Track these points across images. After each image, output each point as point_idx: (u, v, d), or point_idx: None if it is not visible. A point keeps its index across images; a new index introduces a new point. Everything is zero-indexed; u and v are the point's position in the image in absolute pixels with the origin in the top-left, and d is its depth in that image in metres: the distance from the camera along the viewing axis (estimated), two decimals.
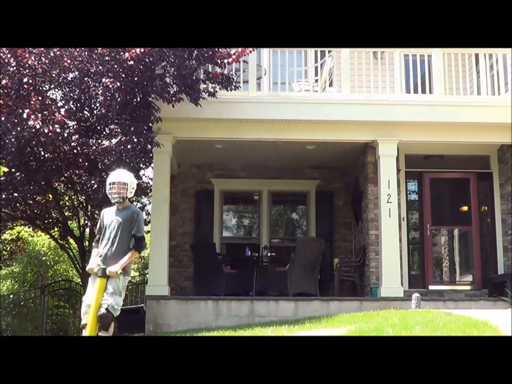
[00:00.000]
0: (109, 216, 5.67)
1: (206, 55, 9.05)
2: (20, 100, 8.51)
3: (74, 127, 8.94)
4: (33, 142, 8.39)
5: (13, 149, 8.19)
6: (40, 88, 8.88)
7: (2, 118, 8.28)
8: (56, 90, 9.45)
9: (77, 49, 8.64)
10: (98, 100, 9.25)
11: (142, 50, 8.36)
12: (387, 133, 10.11)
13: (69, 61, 8.73)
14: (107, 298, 5.42)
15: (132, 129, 8.82)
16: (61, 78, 9.10)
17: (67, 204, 11.12)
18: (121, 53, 8.49)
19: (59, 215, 10.69)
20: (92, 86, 9.01)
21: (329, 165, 12.10)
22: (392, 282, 9.63)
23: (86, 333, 5.34)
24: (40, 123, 8.13)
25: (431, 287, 10.76)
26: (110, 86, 8.47)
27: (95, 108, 9.47)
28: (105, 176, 8.52)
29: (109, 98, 8.84)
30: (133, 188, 5.70)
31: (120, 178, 5.60)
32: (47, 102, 8.63)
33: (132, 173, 9.28)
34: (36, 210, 10.57)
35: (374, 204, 10.38)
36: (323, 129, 10.14)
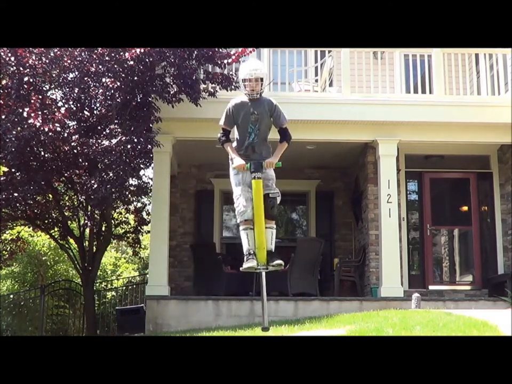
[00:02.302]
0: (243, 109, 5.20)
1: (206, 55, 9.06)
2: (20, 99, 8.52)
3: (74, 127, 8.95)
4: (34, 142, 8.40)
5: (13, 149, 8.19)
6: (40, 88, 8.88)
7: (3, 117, 8.29)
8: (56, 90, 9.46)
9: (77, 49, 8.64)
10: (98, 99, 9.26)
11: (142, 50, 8.37)
12: (387, 133, 10.11)
13: (69, 61, 8.74)
14: (269, 188, 5.07)
15: (132, 129, 8.82)
16: (61, 78, 9.11)
17: (67, 203, 11.12)
18: (121, 53, 8.49)
19: (59, 215, 10.69)
20: (91, 86, 9.02)
21: (329, 165, 12.10)
22: (392, 282, 9.63)
23: (253, 229, 5.00)
24: (41, 121, 8.13)
25: (431, 287, 10.76)
26: (110, 85, 8.48)
27: (95, 107, 9.48)
28: (105, 176, 8.54)
29: (109, 98, 8.86)
30: (266, 80, 5.21)
31: (256, 74, 5.05)
32: (47, 102, 8.63)
33: (132, 173, 9.42)
34: (36, 210, 10.56)
35: (374, 204, 10.38)
36: (323, 129, 10.14)
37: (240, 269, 5.28)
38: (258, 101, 5.19)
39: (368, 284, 10.47)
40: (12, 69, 8.60)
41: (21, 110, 8.26)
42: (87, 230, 10.87)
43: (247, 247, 5.13)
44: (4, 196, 8.84)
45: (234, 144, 5.34)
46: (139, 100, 9.36)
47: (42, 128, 8.10)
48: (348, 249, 11.95)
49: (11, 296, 14.96)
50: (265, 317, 5.09)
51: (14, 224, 11.39)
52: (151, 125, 9.35)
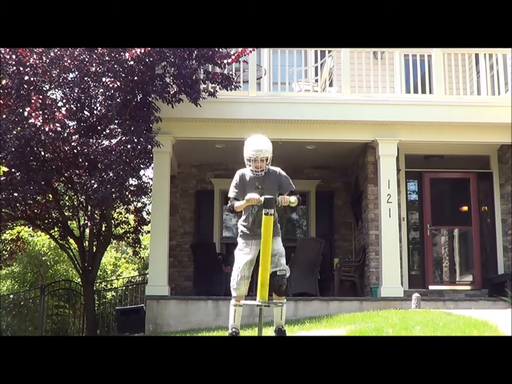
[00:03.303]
0: (248, 182, 5.20)
1: (206, 55, 9.06)
2: (20, 99, 8.52)
3: (74, 127, 8.96)
4: (34, 142, 8.40)
5: (13, 149, 8.19)
6: (41, 88, 8.89)
7: (3, 117, 8.29)
8: (56, 90, 9.46)
9: (77, 49, 8.64)
10: (98, 99, 9.26)
11: (142, 50, 8.37)
12: (387, 133, 10.11)
13: (69, 61, 8.74)
14: (278, 263, 5.02)
15: (132, 129, 8.82)
16: (61, 78, 9.11)
17: (67, 203, 11.12)
18: (121, 53, 8.50)
19: (59, 215, 10.69)
20: (91, 86, 9.02)
21: (329, 165, 12.10)
22: (392, 282, 9.63)
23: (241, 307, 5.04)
24: (41, 121, 8.13)
25: (431, 287, 10.76)
26: (110, 85, 8.48)
27: (95, 107, 9.48)
28: (105, 176, 8.54)
29: (109, 98, 8.85)
30: (271, 156, 5.11)
31: (261, 155, 5.02)
32: (47, 102, 8.63)
33: (132, 173, 9.42)
34: (36, 210, 10.56)
35: (374, 204, 10.38)
36: (323, 129, 10.14)
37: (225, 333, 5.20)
38: (265, 175, 5.18)
39: (368, 283, 10.47)
40: (12, 68, 8.60)
41: (21, 110, 8.26)
42: (87, 230, 10.86)
43: (232, 323, 5.15)
44: (3, 196, 8.84)
45: (240, 221, 5.34)
46: (139, 100, 9.37)
47: (42, 128, 8.10)
48: (347, 249, 11.95)
49: (11, 296, 14.97)
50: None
51: (14, 224, 11.38)
52: (151, 125, 9.35)
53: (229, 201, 5.32)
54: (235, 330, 5.12)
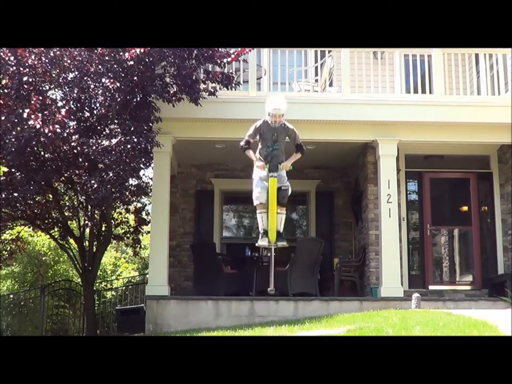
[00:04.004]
0: (267, 129, 6.68)
1: (205, 54, 9.06)
2: (20, 99, 8.51)
3: (74, 127, 8.95)
4: (33, 142, 8.39)
5: (13, 149, 8.19)
6: (40, 88, 8.88)
7: (3, 118, 8.28)
8: (56, 90, 9.46)
9: (77, 49, 8.64)
10: (98, 100, 9.25)
11: (142, 50, 8.37)
12: (387, 133, 10.11)
13: (69, 61, 8.74)
14: (282, 182, 6.50)
15: (132, 129, 8.82)
16: (61, 78, 9.11)
17: (67, 204, 11.11)
18: (121, 53, 8.49)
19: (59, 215, 10.69)
20: (91, 86, 9.01)
21: (329, 165, 12.10)
22: (392, 282, 9.63)
23: (266, 213, 6.35)
24: (41, 123, 8.13)
25: (431, 287, 10.76)
26: (110, 86, 8.48)
27: (95, 108, 9.47)
28: (105, 176, 8.54)
29: (109, 98, 8.85)
30: (286, 112, 6.62)
31: (279, 111, 6.47)
32: (47, 102, 8.63)
33: (132, 173, 9.42)
34: (36, 210, 10.56)
35: (374, 204, 10.38)
36: (323, 129, 10.14)
37: (256, 244, 6.82)
38: (279, 126, 6.71)
39: (368, 283, 10.47)
40: (11, 69, 8.60)
41: (20, 111, 8.25)
42: (87, 230, 10.86)
43: (261, 227, 6.55)
44: (3, 196, 8.84)
45: (257, 153, 6.80)
46: (139, 100, 9.35)
47: (42, 130, 8.10)
48: (347, 249, 11.95)
49: (11, 296, 14.96)
50: (271, 282, 6.60)
51: (14, 224, 11.38)
52: (151, 125, 9.34)
53: (243, 140, 6.82)
54: (264, 229, 6.51)
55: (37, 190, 8.86)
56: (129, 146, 8.61)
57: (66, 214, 10.78)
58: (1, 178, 9.09)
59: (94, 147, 8.46)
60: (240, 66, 10.15)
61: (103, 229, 10.78)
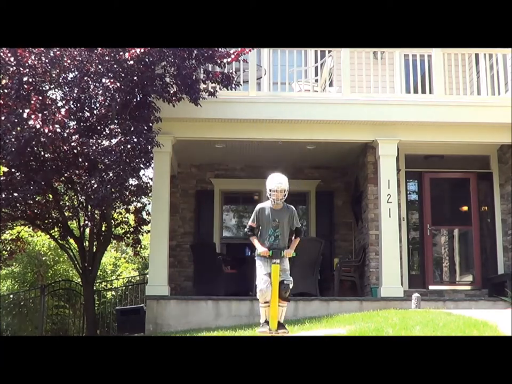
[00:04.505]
0: (267, 214, 6.34)
1: (205, 54, 9.06)
2: (20, 99, 8.51)
3: (74, 127, 8.94)
4: (33, 142, 8.38)
5: (13, 149, 8.18)
6: (40, 88, 8.88)
7: (2, 118, 8.28)
8: (56, 90, 9.45)
9: (77, 49, 8.64)
10: (98, 100, 9.25)
11: (142, 50, 8.37)
12: (387, 133, 10.11)
13: (69, 61, 8.74)
14: (285, 276, 6.22)
15: (132, 129, 8.82)
16: (61, 78, 9.10)
17: (67, 204, 11.11)
18: (121, 53, 8.49)
19: (59, 215, 10.68)
20: (91, 86, 9.01)
21: (329, 165, 12.10)
22: (392, 282, 9.63)
23: (269, 306, 6.06)
24: (41, 123, 8.13)
25: (431, 287, 10.76)
26: (110, 86, 8.47)
27: (95, 108, 9.47)
28: (105, 176, 8.53)
29: (109, 98, 8.84)
30: (288, 190, 6.34)
31: (281, 187, 6.21)
32: (47, 102, 8.63)
33: (132, 173, 9.42)
34: (36, 210, 10.55)
35: (374, 204, 10.38)
36: (323, 129, 10.14)
37: (256, 331, 6.42)
38: (281, 208, 6.33)
39: (368, 283, 10.47)
40: (11, 69, 8.60)
41: (20, 111, 8.25)
42: (87, 230, 10.86)
43: (263, 319, 6.20)
44: (3, 196, 8.83)
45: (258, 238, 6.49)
46: (139, 100, 9.35)
47: (42, 130, 8.10)
48: (347, 249, 11.95)
49: (11, 296, 14.96)
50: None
51: (14, 224, 11.38)
52: (151, 125, 9.35)
53: (247, 228, 6.48)
54: (266, 320, 6.17)
55: (37, 190, 8.86)
56: (129, 146, 8.60)
57: (66, 214, 10.78)
58: (1, 178, 9.08)
59: (94, 147, 8.46)
60: (240, 66, 10.15)
61: (103, 229, 10.77)
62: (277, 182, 6.24)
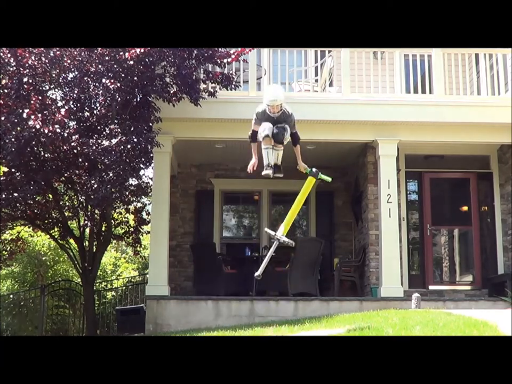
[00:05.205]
0: (266, 116, 6.40)
1: (205, 54, 9.06)
2: (19, 99, 8.51)
3: (74, 127, 8.94)
4: (33, 142, 8.39)
5: (13, 149, 8.18)
6: (40, 88, 8.88)
7: (2, 118, 8.28)
8: (56, 90, 9.45)
9: (77, 49, 8.64)
10: (98, 100, 9.26)
11: (142, 50, 8.37)
12: (387, 133, 10.11)
13: (69, 61, 8.74)
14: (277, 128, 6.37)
15: (132, 129, 8.82)
16: (60, 78, 9.10)
17: (67, 203, 11.11)
18: (121, 53, 8.49)
19: (59, 215, 10.69)
20: (91, 86, 9.01)
21: (329, 165, 12.05)
22: (392, 282, 9.63)
23: (272, 149, 6.40)
24: (40, 123, 8.13)
25: (431, 287, 10.76)
26: (110, 86, 8.47)
27: (95, 108, 9.48)
28: (105, 176, 8.54)
29: (109, 98, 8.84)
30: (284, 101, 6.40)
31: (276, 103, 6.22)
32: (47, 102, 8.63)
33: (132, 173, 9.42)
34: (36, 210, 10.56)
35: (374, 204, 10.38)
36: (323, 129, 10.14)
37: (262, 173, 6.52)
38: (280, 114, 6.37)
39: (368, 284, 10.47)
40: (11, 69, 8.60)
41: (20, 111, 8.25)
42: (87, 230, 10.86)
43: (266, 162, 6.43)
44: (4, 196, 8.84)
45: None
46: (139, 100, 9.36)
47: (42, 130, 8.10)
48: (347, 249, 11.95)
49: (11, 296, 14.96)
50: (261, 268, 6.16)
51: (14, 224, 11.38)
52: (151, 125, 9.35)
53: (249, 134, 6.58)
54: (269, 163, 6.45)
55: (37, 190, 8.86)
56: (129, 146, 8.61)
57: (66, 214, 10.79)
58: (1, 178, 9.08)
59: (94, 147, 8.46)
60: (240, 66, 10.14)
61: (103, 229, 10.77)
62: (272, 99, 6.24)
